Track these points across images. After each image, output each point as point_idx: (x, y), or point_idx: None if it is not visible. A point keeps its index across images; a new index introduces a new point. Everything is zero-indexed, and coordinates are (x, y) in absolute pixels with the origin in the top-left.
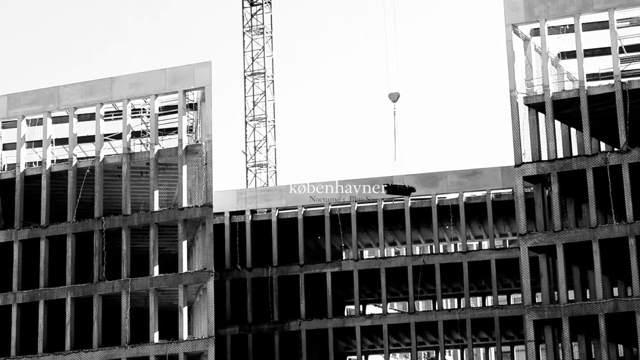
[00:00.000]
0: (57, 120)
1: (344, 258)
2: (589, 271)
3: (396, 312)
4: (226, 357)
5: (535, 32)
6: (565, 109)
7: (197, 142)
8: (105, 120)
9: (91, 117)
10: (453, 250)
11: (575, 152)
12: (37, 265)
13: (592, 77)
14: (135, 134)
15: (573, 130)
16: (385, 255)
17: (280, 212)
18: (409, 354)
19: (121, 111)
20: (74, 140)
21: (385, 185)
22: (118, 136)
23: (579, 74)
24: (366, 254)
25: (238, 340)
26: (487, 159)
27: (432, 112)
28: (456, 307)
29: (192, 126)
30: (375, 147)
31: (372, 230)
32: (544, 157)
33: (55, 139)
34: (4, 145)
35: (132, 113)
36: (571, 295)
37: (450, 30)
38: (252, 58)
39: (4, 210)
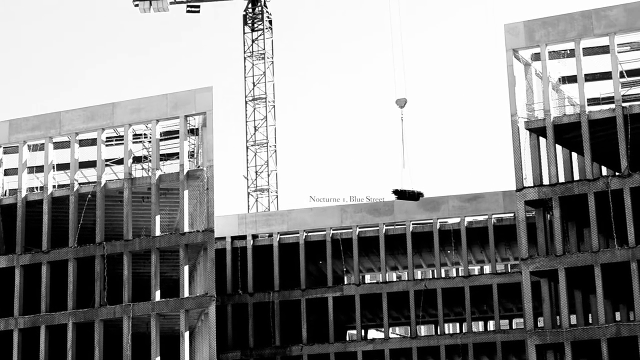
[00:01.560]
0: (58, 145)
1: (345, 283)
2: (591, 296)
3: (398, 336)
4: None
5: (536, 56)
6: (566, 134)
7: (199, 167)
8: (107, 145)
9: (92, 142)
10: (455, 275)
11: (576, 177)
12: (38, 291)
13: (593, 101)
14: (137, 159)
15: (574, 155)
16: (387, 280)
17: (281, 236)
18: None
19: (122, 136)
20: (75, 165)
21: (394, 191)
22: (119, 161)
23: (580, 99)
24: (368, 278)
25: None
26: (489, 183)
27: (433, 136)
28: (458, 331)
29: (193, 151)
30: (377, 171)
31: (374, 254)
32: (546, 181)
33: (56, 164)
34: (5, 170)
35: (134, 138)
36: (573, 319)
37: (450, 56)
38: (253, 83)
39: (5, 235)
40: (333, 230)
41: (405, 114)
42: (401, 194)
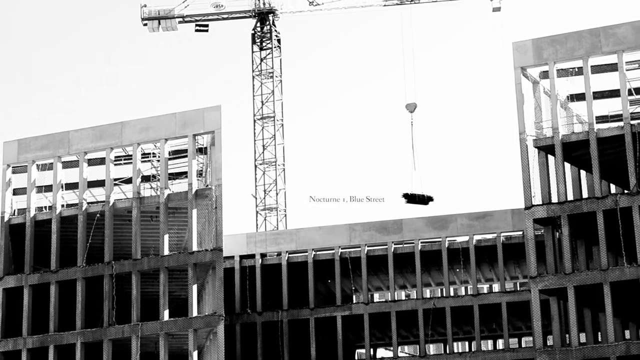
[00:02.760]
0: (67, 165)
1: (354, 301)
2: (600, 314)
3: (407, 355)
4: None
5: (544, 74)
6: (574, 151)
7: (207, 186)
8: (115, 164)
9: (101, 161)
10: (464, 293)
11: (585, 195)
12: (47, 310)
13: (602, 119)
14: (145, 178)
15: (583, 173)
16: (396, 299)
17: (290, 255)
18: None
19: (131, 155)
20: (84, 184)
21: (404, 195)
22: (128, 180)
23: (589, 116)
24: (376, 297)
25: None
26: (497, 201)
27: (442, 154)
28: (467, 350)
29: (202, 170)
30: (385, 191)
31: (383, 273)
32: (554, 199)
33: (65, 184)
34: (14, 190)
35: (142, 157)
36: (583, 338)
37: (458, 74)
38: (262, 102)
39: (14, 255)
40: (342, 249)
41: (415, 119)
42: (411, 198)
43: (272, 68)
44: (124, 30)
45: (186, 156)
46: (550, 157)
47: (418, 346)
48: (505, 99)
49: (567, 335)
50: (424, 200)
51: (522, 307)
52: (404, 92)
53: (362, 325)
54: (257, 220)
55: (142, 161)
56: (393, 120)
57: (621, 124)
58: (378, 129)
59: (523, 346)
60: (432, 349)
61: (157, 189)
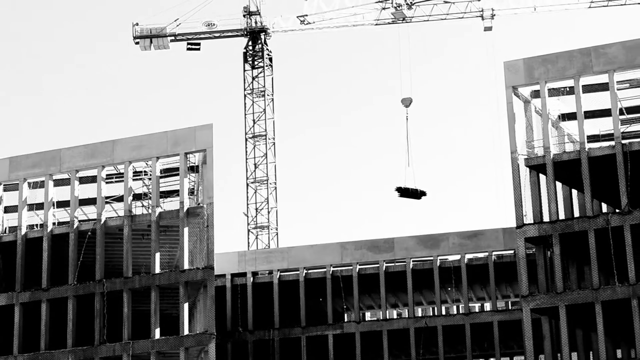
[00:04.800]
0: (58, 182)
1: (346, 320)
2: (592, 333)
3: None
4: None
5: (536, 94)
6: (566, 171)
7: (199, 204)
8: (107, 182)
9: (93, 179)
10: (455, 312)
11: (576, 214)
12: (38, 328)
13: (593, 138)
14: (137, 197)
15: (574, 192)
16: (388, 317)
17: (281, 274)
18: None
19: (122, 174)
20: (75, 202)
21: (397, 188)
22: (119, 198)
23: (580, 136)
24: (368, 315)
25: None
26: (489, 220)
27: (433, 174)
28: None
29: (193, 188)
30: (377, 209)
31: (374, 292)
32: (546, 218)
33: (56, 202)
34: (5, 207)
35: (134, 175)
36: (574, 357)
37: (450, 93)
38: (254, 120)
39: (5, 273)
40: (333, 267)
41: (410, 113)
42: (404, 192)
43: (264, 86)
44: (116, 48)
45: (178, 174)
46: (542, 176)
47: None
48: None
49: (558, 355)
50: (416, 194)
51: (514, 326)
52: (400, 90)
53: (353, 344)
54: (248, 238)
55: (134, 179)
56: (385, 138)
57: (612, 143)
58: (370, 147)
59: None
60: None
61: (148, 207)
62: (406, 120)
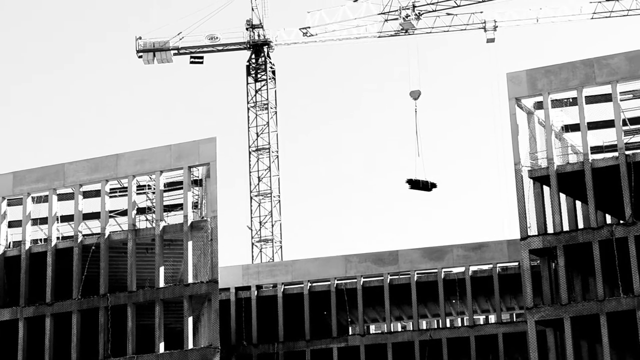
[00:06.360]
0: (62, 197)
1: (350, 333)
2: (597, 345)
3: None
4: None
5: (539, 105)
6: (570, 182)
7: (203, 218)
8: (111, 196)
9: (96, 193)
10: (460, 325)
11: (580, 225)
12: (42, 343)
13: (596, 149)
14: (141, 211)
15: (578, 203)
16: (392, 330)
17: (286, 287)
18: None
19: (126, 188)
20: (79, 217)
21: (408, 180)
22: (123, 213)
23: (583, 147)
24: (373, 328)
25: None
26: (493, 232)
27: (438, 185)
28: None
29: (197, 202)
30: (381, 222)
31: (379, 304)
32: (550, 230)
33: (60, 216)
34: (9, 222)
35: (137, 189)
36: None
37: (453, 105)
38: (257, 134)
39: (9, 287)
40: (337, 280)
41: (418, 106)
42: (415, 184)
43: (267, 99)
44: (119, 62)
45: (181, 188)
46: (546, 188)
47: None
48: (500, 129)
49: None
50: (427, 186)
51: (519, 338)
52: (409, 83)
53: (358, 356)
54: (252, 252)
55: (138, 193)
56: (389, 151)
57: (616, 154)
58: (374, 160)
59: None
60: None
61: (152, 221)
62: (415, 113)
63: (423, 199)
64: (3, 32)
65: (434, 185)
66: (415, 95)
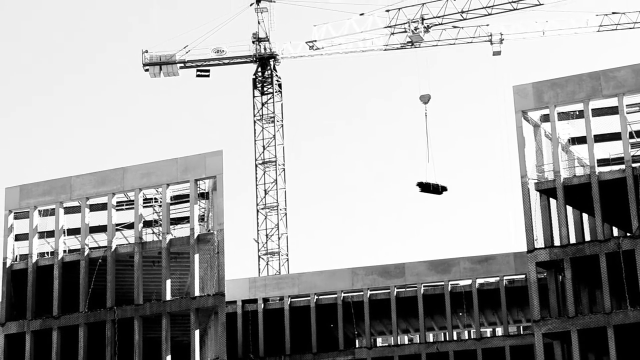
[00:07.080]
0: (69, 210)
1: (357, 346)
2: (604, 357)
3: None
4: None
5: (545, 117)
6: (576, 194)
7: (209, 230)
8: (117, 210)
9: (103, 207)
10: (467, 337)
11: (587, 238)
12: (49, 356)
13: (603, 162)
14: (147, 224)
15: (585, 216)
16: (399, 343)
17: (292, 300)
18: None
19: (133, 201)
20: (86, 230)
21: (418, 183)
22: (130, 226)
23: (590, 160)
24: (379, 341)
25: None
26: (499, 245)
27: (444, 198)
28: None
29: (203, 215)
30: (387, 234)
31: (385, 317)
32: (557, 242)
33: (67, 229)
34: (16, 235)
35: (144, 203)
36: None
37: (459, 118)
38: (263, 146)
39: (16, 300)
40: (344, 293)
41: (428, 110)
42: (425, 187)
43: (274, 112)
44: (125, 75)
45: (188, 201)
46: (552, 200)
47: None
48: (506, 142)
49: None
50: (437, 189)
51: (526, 351)
52: (418, 87)
53: None
54: (259, 264)
55: (144, 206)
56: (395, 163)
57: (622, 166)
58: (380, 174)
59: None
60: None
61: (159, 234)
62: (425, 117)
63: (429, 212)
64: (12, 45)
65: (444, 189)
66: (425, 99)
